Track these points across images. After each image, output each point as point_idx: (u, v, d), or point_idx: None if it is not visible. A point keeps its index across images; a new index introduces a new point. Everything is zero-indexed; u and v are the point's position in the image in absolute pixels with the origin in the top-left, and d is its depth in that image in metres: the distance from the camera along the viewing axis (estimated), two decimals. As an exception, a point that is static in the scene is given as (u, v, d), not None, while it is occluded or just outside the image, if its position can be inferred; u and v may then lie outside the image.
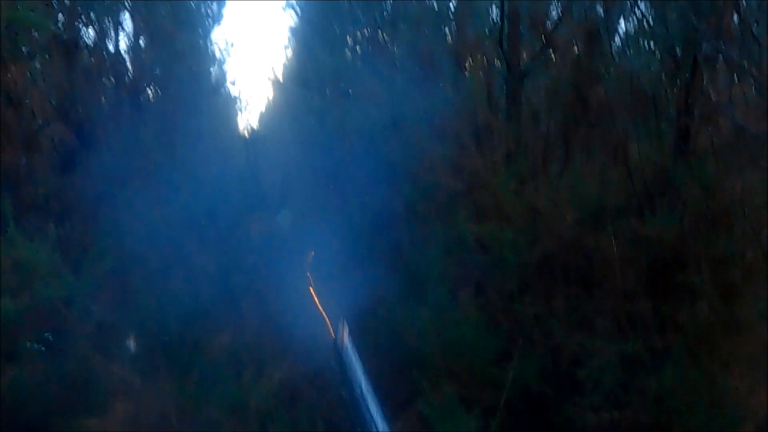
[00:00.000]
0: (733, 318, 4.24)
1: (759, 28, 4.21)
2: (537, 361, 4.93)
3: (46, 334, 4.53)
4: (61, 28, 7.24)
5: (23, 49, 6.17)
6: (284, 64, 15.61)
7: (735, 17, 4.29)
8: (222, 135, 12.59)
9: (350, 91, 8.50)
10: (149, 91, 10.25)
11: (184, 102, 10.59)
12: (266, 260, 5.01)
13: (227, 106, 15.06)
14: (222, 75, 14.20)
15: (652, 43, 5.41)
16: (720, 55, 4.18)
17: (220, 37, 21.94)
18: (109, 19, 8.44)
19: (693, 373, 4.19)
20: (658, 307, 4.73)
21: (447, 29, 8.27)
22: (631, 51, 5.81)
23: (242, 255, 4.99)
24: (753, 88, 4.46)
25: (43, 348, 4.45)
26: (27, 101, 6.19)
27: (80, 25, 7.70)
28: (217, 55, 13.68)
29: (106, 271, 4.59)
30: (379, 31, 9.70)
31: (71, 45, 7.28)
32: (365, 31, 10.20)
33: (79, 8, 7.62)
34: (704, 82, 4.52)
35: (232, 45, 15.39)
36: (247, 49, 35.30)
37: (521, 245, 5.43)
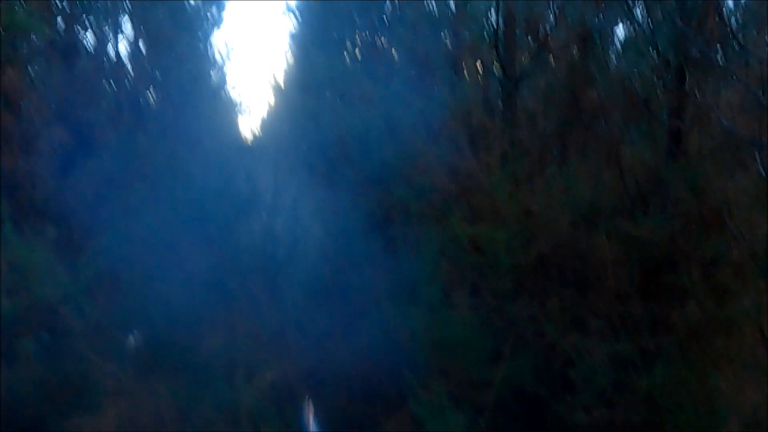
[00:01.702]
0: (722, 318, 4.28)
1: (743, 34, 4.27)
2: (530, 361, 4.96)
3: (43, 334, 4.56)
4: (60, 32, 7.29)
5: (22, 52, 6.22)
6: (285, 69, 15.68)
7: (725, 21, 4.31)
8: (222, 139, 12.64)
9: (347, 94, 8.55)
10: (149, 95, 10.30)
11: (183, 106, 10.63)
12: (261, 262, 5.03)
13: (228, 110, 15.10)
14: (222, 79, 14.25)
15: (644, 47, 5.44)
16: (705, 59, 4.21)
17: (220, 41, 21.89)
18: (108, 22, 8.48)
19: (683, 372, 4.22)
20: (650, 307, 4.76)
21: (444, 33, 8.31)
22: (625, 55, 5.85)
23: (237, 257, 5.01)
24: (743, 91, 4.49)
25: (39, 349, 4.48)
26: (25, 104, 6.24)
27: (79, 29, 7.75)
28: (218, 59, 13.74)
29: (102, 273, 4.63)
30: (378, 35, 9.77)
31: (70, 49, 7.34)
32: (364, 34, 10.26)
33: (77, 12, 7.66)
34: (686, 86, 4.56)
35: (232, 49, 15.39)
36: (247, 53, 35.41)
37: (515, 246, 5.46)
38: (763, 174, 4.01)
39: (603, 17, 5.90)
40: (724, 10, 4.38)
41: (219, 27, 13.08)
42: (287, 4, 15.17)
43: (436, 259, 5.25)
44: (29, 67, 6.95)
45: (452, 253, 5.50)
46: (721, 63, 4.18)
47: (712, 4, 4.07)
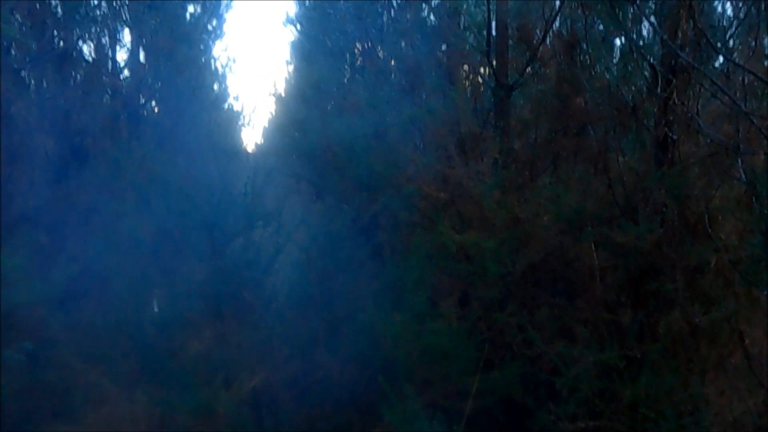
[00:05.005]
0: (706, 325, 4.26)
1: (725, 44, 4.28)
2: (516, 369, 4.95)
3: (27, 342, 4.57)
4: (56, 42, 7.35)
5: (15, 61, 6.28)
6: (285, 79, 15.73)
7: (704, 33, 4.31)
8: (221, 149, 12.69)
9: (340, 102, 8.60)
10: (149, 105, 10.37)
11: (183, 116, 10.71)
12: (247, 269, 5.03)
13: (229, 120, 15.17)
14: (223, 90, 14.35)
15: (632, 56, 5.44)
16: (689, 68, 4.22)
17: (222, 52, 21.97)
18: (105, 32, 8.55)
19: (667, 380, 4.20)
20: (636, 315, 4.75)
21: (439, 43, 8.35)
22: (614, 64, 5.86)
23: (224, 265, 5.01)
24: (727, 100, 4.48)
25: (22, 356, 4.49)
26: (19, 113, 6.29)
27: (75, 39, 7.80)
28: (219, 70, 13.84)
29: (88, 280, 4.65)
30: (374, 45, 9.82)
31: (65, 58, 7.39)
32: (365, 45, 10.31)
33: (75, 22, 7.71)
34: (669, 94, 4.56)
35: (233, 60, 15.54)
36: (249, 62, 35.68)
37: (504, 255, 5.46)
38: (745, 181, 4.01)
39: (593, 27, 5.91)
40: (704, 19, 4.39)
41: (220, 39, 13.20)
42: (287, 14, 15.25)
43: (423, 267, 5.25)
44: (25, 76, 7.00)
45: (440, 261, 5.51)
46: (704, 72, 4.17)
47: (692, 14, 4.08)
